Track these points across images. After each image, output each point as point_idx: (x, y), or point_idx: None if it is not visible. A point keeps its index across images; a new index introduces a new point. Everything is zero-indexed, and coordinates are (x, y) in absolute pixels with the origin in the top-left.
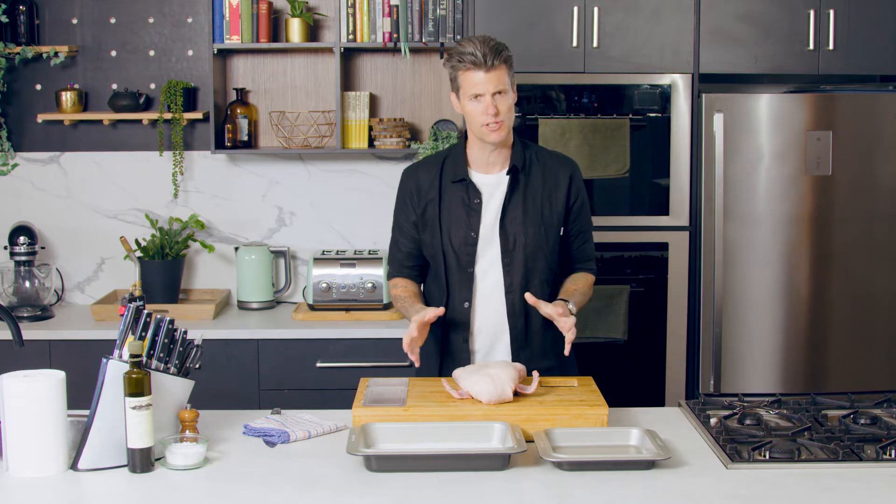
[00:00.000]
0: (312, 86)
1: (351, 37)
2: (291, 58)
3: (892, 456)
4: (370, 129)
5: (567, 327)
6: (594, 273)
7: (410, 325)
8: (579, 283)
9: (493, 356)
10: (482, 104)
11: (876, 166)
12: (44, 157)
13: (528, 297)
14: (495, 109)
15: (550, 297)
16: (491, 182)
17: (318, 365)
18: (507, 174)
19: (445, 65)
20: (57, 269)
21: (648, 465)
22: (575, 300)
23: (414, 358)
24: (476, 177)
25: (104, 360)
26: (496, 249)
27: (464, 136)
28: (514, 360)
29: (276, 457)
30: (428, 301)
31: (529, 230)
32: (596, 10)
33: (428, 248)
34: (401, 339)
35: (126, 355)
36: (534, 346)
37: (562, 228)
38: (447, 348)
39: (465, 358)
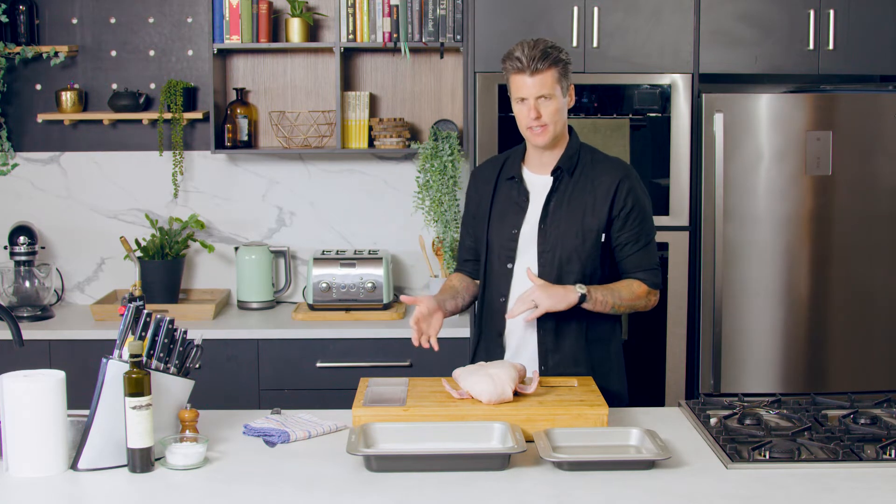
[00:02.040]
0: (312, 86)
1: (351, 37)
2: (291, 58)
3: (892, 456)
4: (370, 128)
5: (521, 297)
6: (649, 284)
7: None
8: (618, 284)
9: (520, 354)
10: (525, 107)
11: (876, 166)
12: (44, 157)
13: (528, 271)
14: (537, 113)
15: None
16: (540, 182)
17: (318, 365)
18: (552, 175)
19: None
20: (57, 269)
21: (648, 465)
22: (595, 291)
23: (414, 337)
24: (528, 176)
25: (104, 360)
26: (535, 249)
27: None
28: (541, 363)
29: (276, 457)
30: (481, 292)
31: (567, 234)
32: (596, 10)
33: (477, 241)
34: (400, 339)
35: (126, 355)
36: (564, 351)
37: (603, 236)
38: (484, 339)
39: (500, 352)
